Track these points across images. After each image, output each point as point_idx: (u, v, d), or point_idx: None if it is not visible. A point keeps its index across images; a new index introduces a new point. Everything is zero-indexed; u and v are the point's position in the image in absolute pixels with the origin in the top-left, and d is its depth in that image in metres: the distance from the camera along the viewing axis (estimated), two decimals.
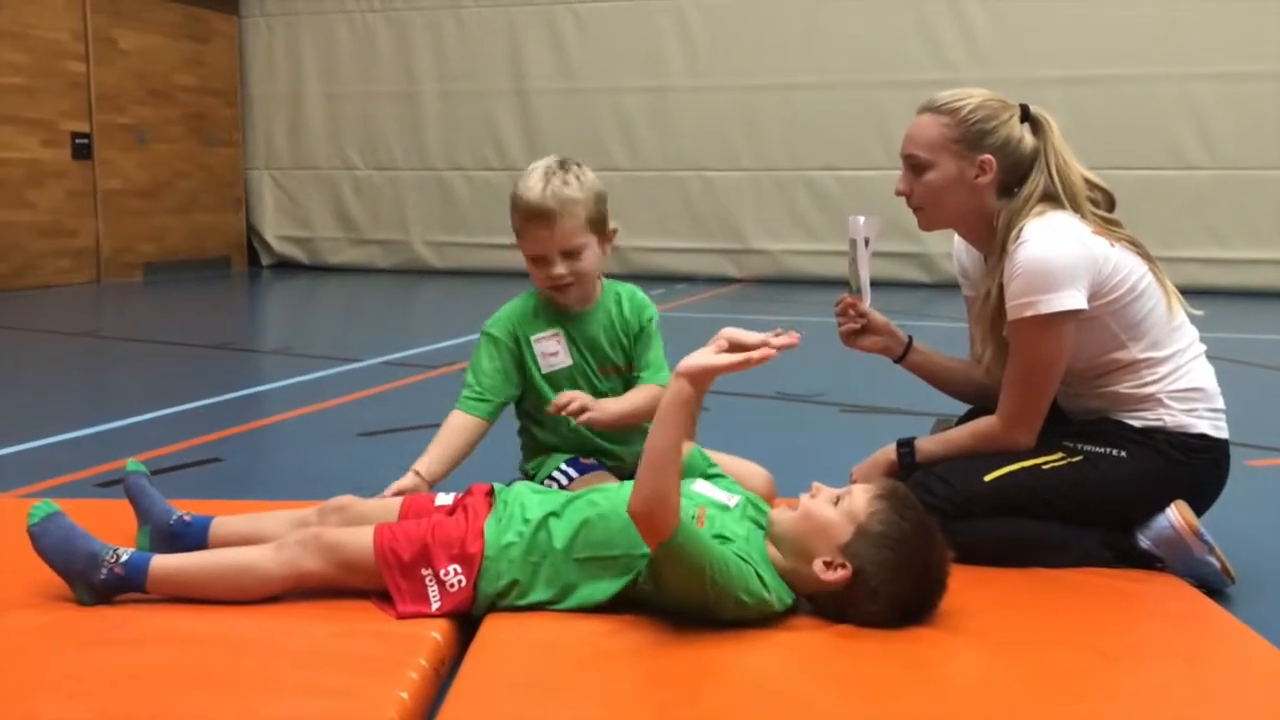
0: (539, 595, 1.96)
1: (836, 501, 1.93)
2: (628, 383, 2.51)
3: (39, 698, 1.64)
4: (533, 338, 2.48)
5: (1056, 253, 2.20)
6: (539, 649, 1.83)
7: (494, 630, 1.90)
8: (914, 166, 2.34)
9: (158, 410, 4.18)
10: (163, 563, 2.00)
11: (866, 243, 2.46)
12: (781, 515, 1.97)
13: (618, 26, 10.51)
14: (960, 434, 2.39)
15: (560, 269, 2.39)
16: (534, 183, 2.35)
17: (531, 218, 2.36)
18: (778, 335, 1.76)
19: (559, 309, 2.49)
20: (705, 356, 1.76)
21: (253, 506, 2.37)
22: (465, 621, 1.95)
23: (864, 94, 9.81)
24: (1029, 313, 2.21)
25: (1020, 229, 2.25)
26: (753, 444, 2.55)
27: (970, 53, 9.52)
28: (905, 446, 2.41)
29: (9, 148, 9.05)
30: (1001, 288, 2.27)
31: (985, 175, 2.30)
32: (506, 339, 2.49)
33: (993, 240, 2.33)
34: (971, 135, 2.29)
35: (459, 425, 2.44)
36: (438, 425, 2.42)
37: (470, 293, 9.21)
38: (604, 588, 1.94)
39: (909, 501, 1.94)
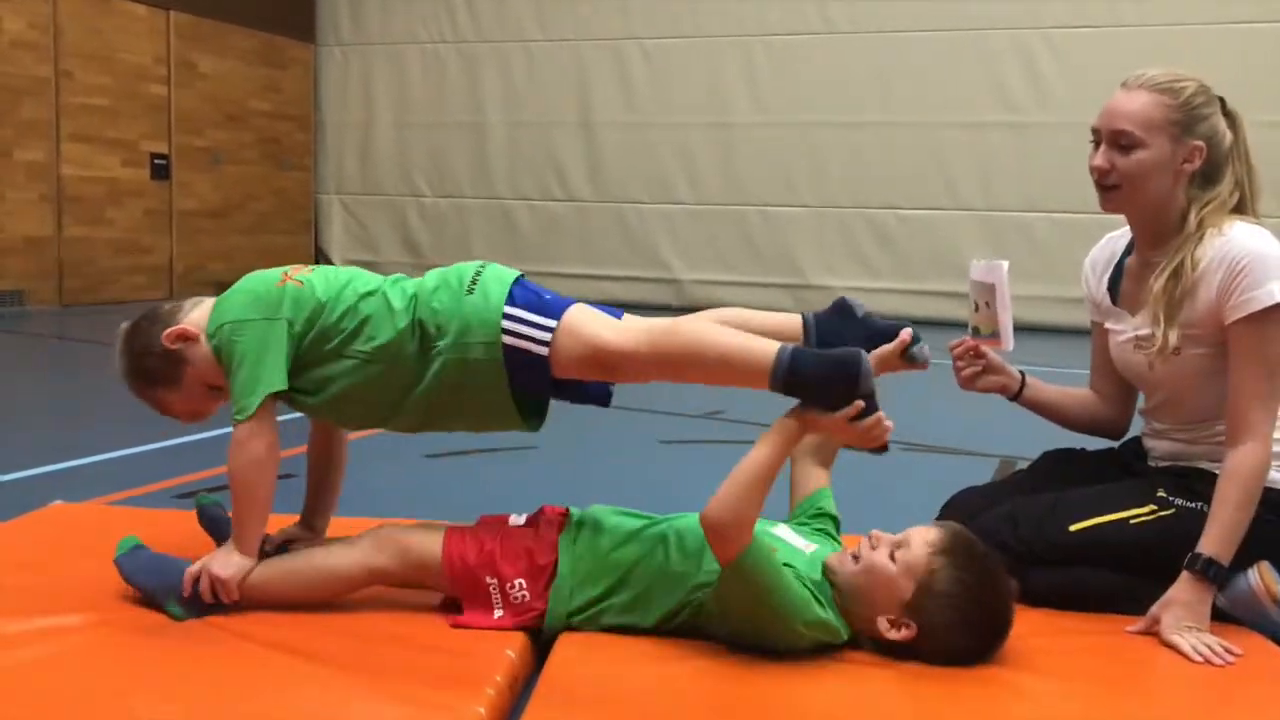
0: (611, 611, 2.01)
1: (893, 551, 1.92)
2: None
3: (137, 697, 1.72)
4: None
5: (1272, 247, 2.12)
6: (611, 672, 1.87)
7: (567, 651, 1.94)
8: (1122, 144, 2.20)
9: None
10: None
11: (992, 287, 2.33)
12: (842, 566, 1.97)
13: (684, 62, 10.61)
14: (1225, 507, 2.07)
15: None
16: None
17: None
18: None
19: None
20: (839, 417, 1.89)
21: None
22: (539, 641, 2.00)
23: (927, 133, 9.81)
24: (1271, 301, 2.05)
25: (1219, 227, 2.16)
26: None
27: (1036, 94, 9.50)
28: (1209, 565, 2.06)
29: (92, 166, 9.35)
30: (1179, 267, 2.15)
31: (1192, 163, 2.19)
32: None
33: (1165, 232, 2.23)
34: (1189, 119, 2.18)
35: None
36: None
37: None
38: (669, 598, 1.98)
39: (970, 551, 1.91)
